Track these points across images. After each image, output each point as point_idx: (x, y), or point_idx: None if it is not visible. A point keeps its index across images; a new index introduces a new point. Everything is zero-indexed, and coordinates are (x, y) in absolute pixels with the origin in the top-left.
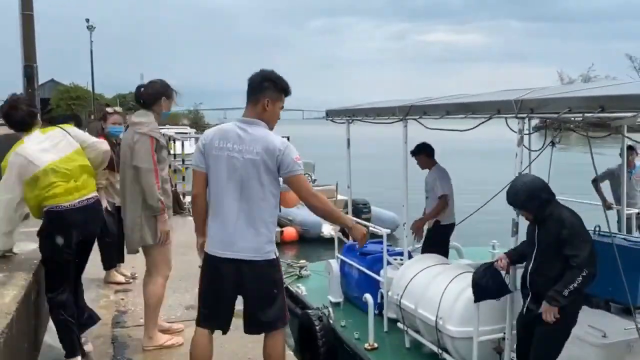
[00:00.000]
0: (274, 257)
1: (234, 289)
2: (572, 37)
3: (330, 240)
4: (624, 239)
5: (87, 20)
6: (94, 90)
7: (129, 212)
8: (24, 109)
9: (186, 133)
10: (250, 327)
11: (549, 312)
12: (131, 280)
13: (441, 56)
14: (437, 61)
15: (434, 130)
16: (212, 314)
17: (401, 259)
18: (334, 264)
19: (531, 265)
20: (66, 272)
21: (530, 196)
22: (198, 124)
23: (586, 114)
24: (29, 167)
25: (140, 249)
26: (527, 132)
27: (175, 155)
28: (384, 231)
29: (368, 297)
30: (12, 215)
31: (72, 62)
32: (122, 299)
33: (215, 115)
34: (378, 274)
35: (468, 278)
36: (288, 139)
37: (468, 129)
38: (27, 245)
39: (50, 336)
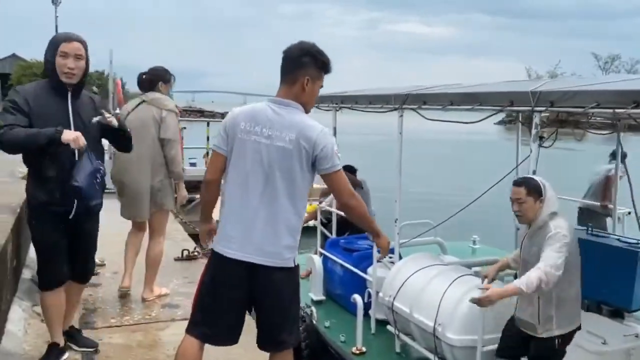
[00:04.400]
0: (293, 265)
1: (242, 297)
2: (539, 33)
3: (310, 229)
4: (618, 239)
5: None
6: None
7: (145, 180)
8: None
9: None
10: (265, 345)
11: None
12: (99, 272)
13: (410, 47)
14: (406, 52)
15: (434, 121)
16: (208, 321)
17: (391, 257)
18: (317, 260)
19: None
20: None
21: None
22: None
23: (617, 110)
24: None
25: None
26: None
27: None
28: None
29: (357, 298)
30: None
31: (35, 37)
32: (91, 295)
33: (183, 97)
34: (365, 272)
35: (469, 281)
36: None
37: (474, 121)
38: None
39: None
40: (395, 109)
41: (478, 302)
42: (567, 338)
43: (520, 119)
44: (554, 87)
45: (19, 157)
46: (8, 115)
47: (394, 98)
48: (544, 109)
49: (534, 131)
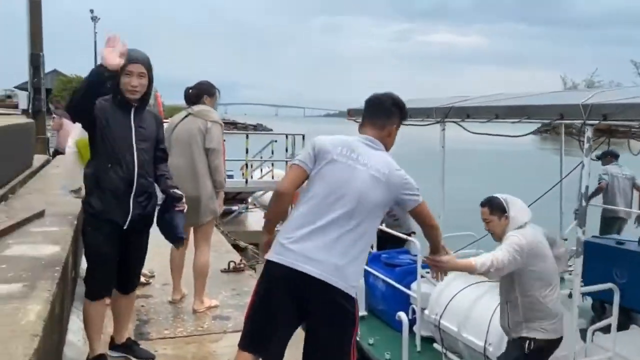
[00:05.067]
0: (355, 295)
1: (296, 311)
2: (574, 41)
3: None
4: None
5: (92, 11)
6: None
7: (192, 190)
8: None
9: None
10: None
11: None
12: (150, 281)
13: (443, 57)
14: (438, 62)
15: (478, 134)
16: (262, 336)
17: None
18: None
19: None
20: None
21: None
22: None
23: None
24: None
25: None
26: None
27: None
28: (416, 242)
29: (402, 316)
30: None
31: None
32: (143, 306)
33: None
34: (408, 287)
35: None
36: (303, 137)
37: (522, 135)
38: (45, 248)
39: (70, 349)
40: (437, 122)
41: (431, 262)
42: (542, 346)
43: (555, 130)
44: (604, 100)
45: (69, 172)
46: None
47: (436, 111)
48: (597, 122)
49: (586, 145)
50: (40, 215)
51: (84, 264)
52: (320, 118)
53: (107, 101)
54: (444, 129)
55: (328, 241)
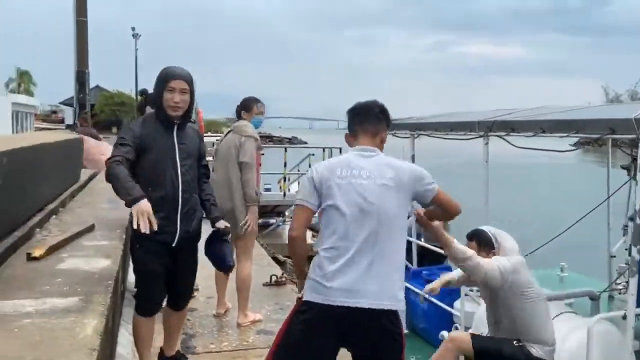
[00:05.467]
0: (402, 310)
1: (338, 346)
2: (616, 50)
3: None
4: None
5: (133, 29)
6: (137, 97)
7: (228, 203)
8: None
9: None
10: None
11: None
12: (195, 294)
13: (480, 68)
14: (475, 73)
15: (523, 149)
16: None
17: (478, 290)
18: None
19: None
20: None
21: None
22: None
23: None
24: None
25: None
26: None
27: None
28: None
29: (445, 335)
30: None
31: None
32: (189, 320)
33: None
34: (451, 306)
35: (571, 319)
36: (340, 150)
37: (570, 150)
38: (98, 262)
39: None
40: (480, 137)
41: (421, 216)
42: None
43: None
44: None
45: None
46: (118, 148)
47: (479, 125)
48: None
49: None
50: (90, 229)
51: (130, 277)
52: None
53: (149, 119)
54: (487, 143)
55: (362, 269)
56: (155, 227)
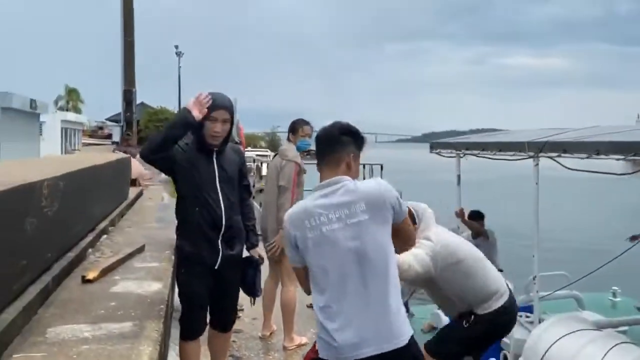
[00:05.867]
0: (409, 337)
1: None
2: None
3: None
4: None
5: (176, 47)
6: None
7: (270, 224)
8: None
9: (266, 155)
10: None
11: None
12: (239, 315)
13: (522, 80)
14: (518, 86)
15: (576, 171)
16: None
17: (528, 316)
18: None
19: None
20: None
21: None
22: (275, 146)
23: None
24: None
25: None
26: None
27: (262, 176)
28: (508, 283)
29: None
30: None
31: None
32: (235, 342)
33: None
34: None
35: (630, 351)
36: (382, 167)
37: (627, 173)
38: (149, 286)
39: None
40: (530, 157)
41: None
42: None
43: None
44: None
45: (163, 204)
46: None
47: (528, 145)
48: None
49: None
50: (141, 250)
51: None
52: (392, 144)
53: (188, 146)
54: (537, 164)
55: (360, 319)
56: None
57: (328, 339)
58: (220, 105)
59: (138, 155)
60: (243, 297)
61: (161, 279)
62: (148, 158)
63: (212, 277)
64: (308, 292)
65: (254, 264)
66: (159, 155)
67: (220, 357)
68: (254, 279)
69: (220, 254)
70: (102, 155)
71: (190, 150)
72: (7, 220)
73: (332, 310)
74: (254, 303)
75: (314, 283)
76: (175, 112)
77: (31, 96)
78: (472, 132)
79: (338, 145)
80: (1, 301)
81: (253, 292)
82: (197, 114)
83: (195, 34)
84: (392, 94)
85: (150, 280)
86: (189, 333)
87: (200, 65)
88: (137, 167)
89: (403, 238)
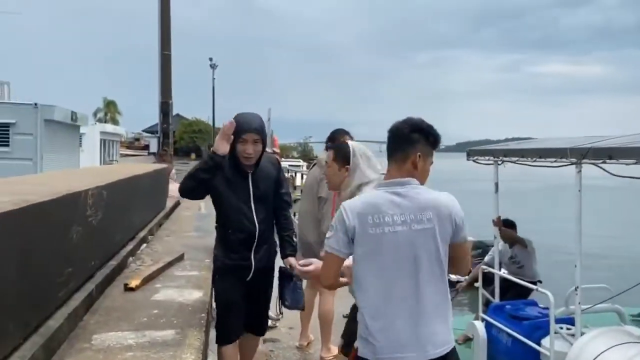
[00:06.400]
0: (453, 343)
1: None
2: None
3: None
4: None
5: (211, 59)
6: (214, 124)
7: (309, 234)
8: None
9: (299, 165)
10: None
11: None
12: (276, 324)
13: (558, 88)
14: (553, 93)
15: (622, 177)
16: None
17: (569, 329)
18: (480, 327)
19: None
20: None
21: None
22: (307, 156)
23: None
24: None
25: None
26: None
27: (295, 186)
28: (549, 294)
29: None
30: None
31: (194, 97)
32: (272, 351)
33: (321, 147)
34: (538, 343)
35: None
36: None
37: None
38: (190, 294)
39: None
40: (572, 164)
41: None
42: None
43: None
44: None
45: (201, 214)
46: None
47: (570, 151)
48: None
49: None
50: (180, 258)
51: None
52: None
53: (223, 167)
54: (580, 171)
55: (405, 322)
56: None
57: (369, 337)
58: (247, 129)
59: (174, 171)
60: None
61: (201, 287)
62: (183, 197)
63: (245, 287)
64: (327, 282)
65: (287, 276)
66: (192, 196)
67: (249, 358)
68: (286, 290)
69: (253, 268)
70: (143, 165)
71: (227, 168)
72: (54, 229)
73: (378, 310)
74: (281, 313)
75: (361, 278)
76: (209, 123)
77: (72, 108)
78: (507, 140)
79: (406, 143)
80: (48, 308)
81: (284, 304)
82: (223, 150)
83: (228, 47)
84: (424, 103)
85: (190, 289)
86: (226, 338)
87: (233, 77)
88: (175, 189)
89: (455, 260)
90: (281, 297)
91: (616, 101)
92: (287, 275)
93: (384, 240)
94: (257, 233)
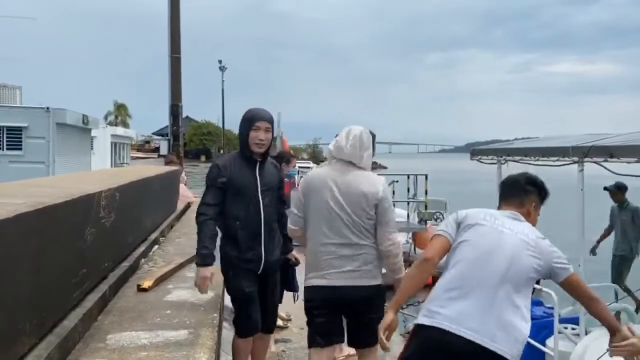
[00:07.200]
0: None
1: None
2: None
3: None
4: None
5: (220, 62)
6: (224, 127)
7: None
8: None
9: (309, 167)
10: None
11: None
12: (288, 325)
13: (569, 88)
14: (564, 93)
15: (626, 176)
16: None
17: (574, 328)
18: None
19: None
20: None
21: None
22: (316, 157)
23: None
24: None
25: None
26: None
27: None
28: (551, 292)
29: None
30: None
31: (203, 99)
32: (284, 351)
33: None
34: (543, 344)
35: None
36: (426, 177)
37: None
38: (203, 294)
39: None
40: (575, 163)
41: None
42: None
43: None
44: None
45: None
46: (207, 193)
47: (572, 150)
48: None
49: None
50: (192, 260)
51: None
52: (434, 154)
53: (234, 156)
54: (582, 170)
55: (482, 305)
56: (205, 292)
57: (438, 308)
58: (260, 117)
59: (183, 174)
60: (291, 306)
61: (213, 288)
62: None
63: (256, 280)
64: (428, 255)
65: (291, 264)
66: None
67: (261, 357)
68: (293, 274)
69: (263, 260)
70: (155, 167)
71: (237, 161)
72: (69, 230)
73: (459, 291)
74: (297, 299)
75: (455, 261)
76: (219, 125)
77: (83, 112)
78: (517, 140)
79: (522, 192)
80: (63, 308)
81: (292, 287)
82: (200, 289)
83: (237, 49)
84: (434, 104)
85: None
86: (245, 332)
87: (243, 79)
88: (185, 191)
89: (575, 291)
90: (289, 285)
91: (628, 100)
92: (291, 266)
93: (490, 231)
94: (263, 222)
